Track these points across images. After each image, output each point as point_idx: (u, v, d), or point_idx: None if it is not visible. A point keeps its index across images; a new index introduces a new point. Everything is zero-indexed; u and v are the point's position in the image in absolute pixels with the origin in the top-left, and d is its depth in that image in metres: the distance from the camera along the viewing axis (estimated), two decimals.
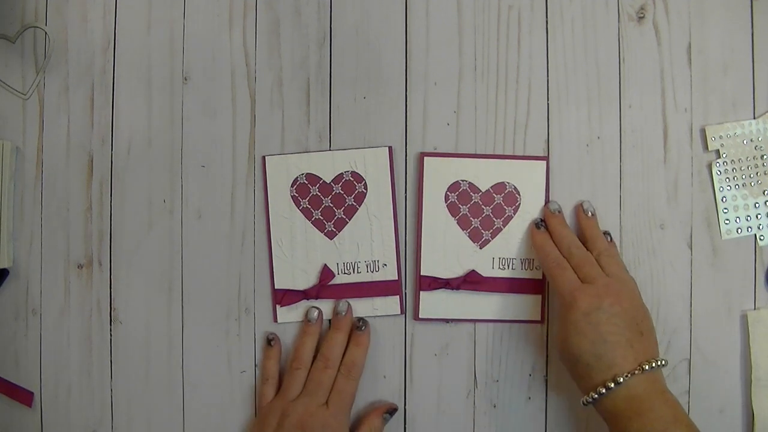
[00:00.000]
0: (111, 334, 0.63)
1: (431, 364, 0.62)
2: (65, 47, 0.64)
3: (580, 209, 0.61)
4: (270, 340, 0.62)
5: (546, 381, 0.62)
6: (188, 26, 0.64)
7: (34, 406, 0.63)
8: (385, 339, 0.62)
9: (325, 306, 0.62)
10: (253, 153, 0.63)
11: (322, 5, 0.63)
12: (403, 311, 0.62)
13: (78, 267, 0.63)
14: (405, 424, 0.62)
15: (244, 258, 0.63)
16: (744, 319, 0.61)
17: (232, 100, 0.63)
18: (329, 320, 0.62)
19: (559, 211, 0.61)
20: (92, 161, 0.64)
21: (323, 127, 0.63)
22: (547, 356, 0.62)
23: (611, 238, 0.61)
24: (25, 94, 0.64)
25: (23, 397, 0.63)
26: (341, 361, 0.60)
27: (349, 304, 0.62)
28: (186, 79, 0.64)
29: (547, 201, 0.62)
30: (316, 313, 0.61)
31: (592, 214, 0.61)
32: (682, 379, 0.61)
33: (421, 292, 0.62)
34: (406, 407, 0.62)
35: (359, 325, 0.61)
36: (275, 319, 0.63)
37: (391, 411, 0.61)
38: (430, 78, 0.63)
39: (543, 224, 0.61)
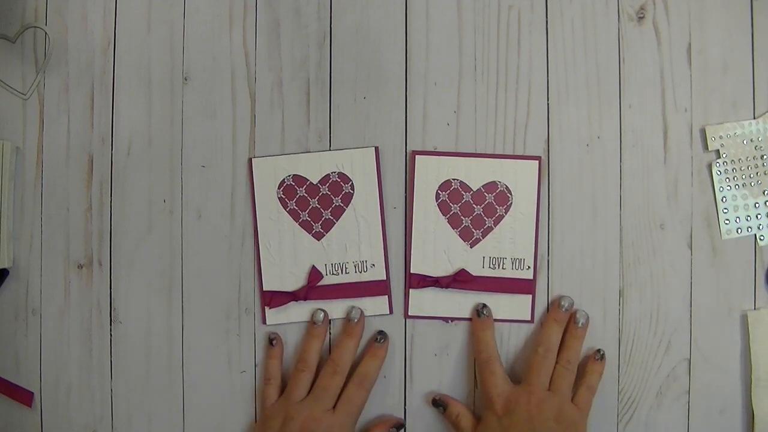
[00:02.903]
0: (111, 334, 0.63)
1: (431, 364, 0.62)
2: (65, 47, 0.64)
3: (572, 316, 0.60)
4: (272, 340, 0.62)
5: None
6: (188, 26, 0.64)
7: (34, 405, 0.63)
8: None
9: (313, 308, 0.62)
10: (253, 153, 0.63)
11: (322, 5, 0.63)
12: (392, 311, 0.62)
13: (78, 267, 0.63)
14: (405, 424, 0.62)
15: (244, 258, 0.63)
16: (744, 319, 0.61)
17: (232, 101, 0.63)
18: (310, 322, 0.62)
19: (567, 310, 0.59)
20: (92, 161, 0.64)
21: (323, 127, 0.63)
22: None
23: (602, 357, 0.60)
24: (25, 94, 0.64)
25: (23, 396, 0.63)
26: (356, 370, 0.59)
27: (362, 312, 0.61)
28: (186, 80, 0.64)
29: (539, 200, 0.62)
30: (321, 315, 0.61)
31: (582, 326, 0.59)
32: (682, 379, 0.61)
33: (410, 290, 0.62)
34: (407, 407, 0.62)
35: (378, 337, 0.61)
36: (264, 321, 0.62)
37: (398, 426, 0.61)
38: (430, 78, 0.63)
39: (485, 311, 0.60)
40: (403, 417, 0.62)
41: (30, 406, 0.63)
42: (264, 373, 0.62)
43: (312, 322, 0.61)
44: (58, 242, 0.64)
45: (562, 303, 0.60)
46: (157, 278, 0.63)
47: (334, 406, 0.58)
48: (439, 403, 0.60)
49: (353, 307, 0.62)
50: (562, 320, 0.59)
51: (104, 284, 0.63)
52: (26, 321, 0.64)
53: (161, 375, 0.63)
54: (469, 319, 0.62)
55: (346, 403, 0.58)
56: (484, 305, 0.60)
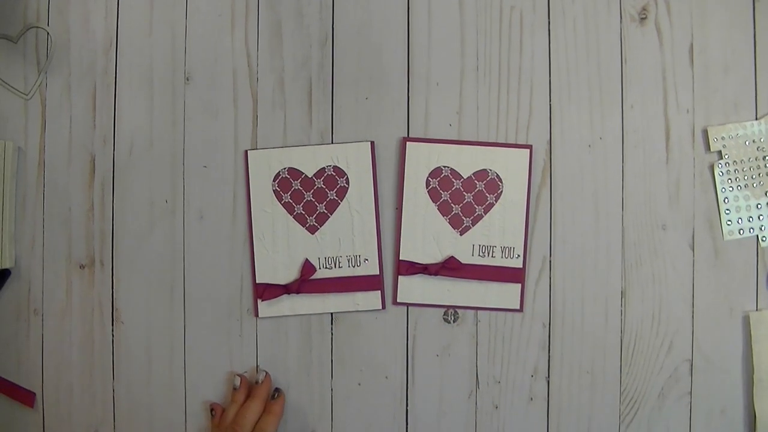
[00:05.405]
0: (113, 335, 0.63)
1: (433, 364, 0.62)
2: (67, 47, 0.64)
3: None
4: (212, 410, 0.61)
5: (548, 382, 0.62)
6: (190, 27, 0.64)
7: (36, 406, 0.63)
8: (386, 338, 0.62)
9: (305, 302, 0.62)
10: None
11: (324, 6, 0.63)
12: (385, 306, 0.62)
13: (80, 267, 0.63)
14: (407, 424, 0.62)
15: (246, 258, 0.63)
16: (746, 320, 0.61)
17: (233, 101, 0.63)
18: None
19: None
20: (94, 161, 0.64)
21: (325, 127, 0.63)
22: (549, 357, 0.62)
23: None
24: (27, 95, 0.64)
25: (25, 397, 0.63)
26: (254, 428, 0.59)
27: (266, 373, 0.61)
28: (188, 80, 0.64)
29: (529, 189, 0.61)
30: (239, 381, 0.61)
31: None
32: (684, 380, 0.61)
33: (399, 277, 0.62)
34: (408, 408, 0.62)
35: (273, 393, 0.61)
36: (256, 314, 0.63)
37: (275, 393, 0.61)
38: (432, 78, 0.63)
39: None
40: (404, 417, 0.62)
41: (32, 407, 0.63)
42: None
43: (233, 387, 0.61)
44: (60, 242, 0.64)
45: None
46: (159, 279, 0.63)
47: None
48: None
49: (260, 370, 0.62)
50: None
51: (106, 284, 0.63)
52: (28, 321, 0.63)
53: (163, 375, 0.63)
54: (454, 307, 0.62)
55: None
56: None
